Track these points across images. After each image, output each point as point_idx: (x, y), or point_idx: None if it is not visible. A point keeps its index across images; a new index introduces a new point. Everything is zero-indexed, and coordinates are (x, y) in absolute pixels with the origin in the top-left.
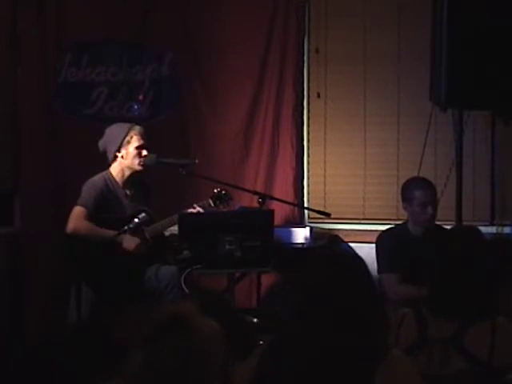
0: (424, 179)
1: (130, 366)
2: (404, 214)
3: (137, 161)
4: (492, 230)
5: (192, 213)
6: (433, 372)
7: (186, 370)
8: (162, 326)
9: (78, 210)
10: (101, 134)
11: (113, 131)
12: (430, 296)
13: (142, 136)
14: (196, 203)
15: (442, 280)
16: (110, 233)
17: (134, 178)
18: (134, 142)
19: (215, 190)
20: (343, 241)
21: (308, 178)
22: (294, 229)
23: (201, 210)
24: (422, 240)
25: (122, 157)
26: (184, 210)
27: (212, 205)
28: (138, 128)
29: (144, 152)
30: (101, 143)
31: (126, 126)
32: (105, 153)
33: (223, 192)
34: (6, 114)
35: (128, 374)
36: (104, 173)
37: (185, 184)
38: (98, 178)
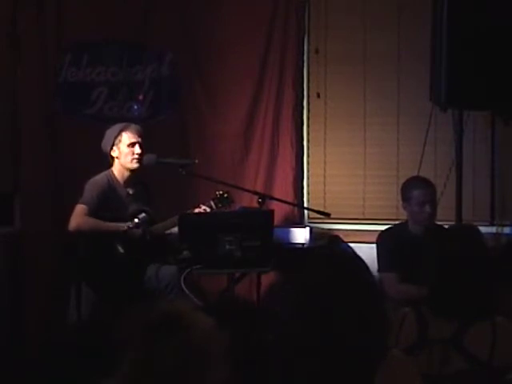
0: (423, 178)
1: (127, 365)
2: (404, 214)
3: (129, 158)
4: (492, 230)
5: (192, 213)
6: (433, 372)
7: (184, 368)
8: (159, 325)
9: (79, 208)
10: (101, 134)
11: (108, 132)
12: (430, 296)
13: (135, 134)
14: (201, 203)
15: (442, 280)
16: (113, 225)
17: (135, 178)
18: (125, 140)
19: (217, 193)
20: (343, 241)
21: (308, 178)
22: (293, 229)
23: (207, 209)
24: (422, 239)
25: (117, 157)
26: (189, 210)
27: (213, 207)
28: (130, 126)
29: (137, 149)
30: (101, 145)
31: (119, 125)
32: (106, 154)
33: (225, 195)
34: (6, 114)
35: (126, 374)
36: (106, 172)
37: (185, 184)
38: (100, 177)
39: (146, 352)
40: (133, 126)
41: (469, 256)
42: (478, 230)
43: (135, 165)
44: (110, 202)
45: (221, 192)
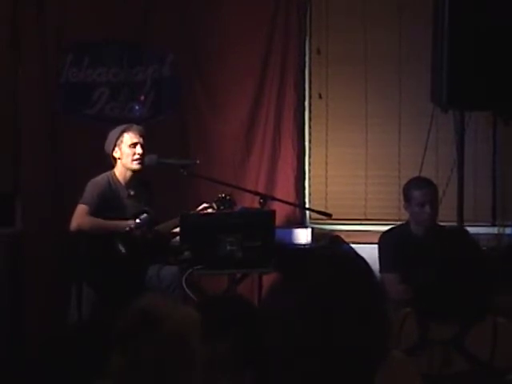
0: (424, 179)
1: (112, 366)
2: (405, 215)
3: (130, 159)
4: (493, 230)
5: (193, 213)
6: (433, 373)
7: (163, 360)
8: (132, 324)
9: (80, 208)
10: (101, 135)
11: (110, 133)
12: (428, 298)
13: (136, 134)
14: (204, 201)
15: (441, 281)
16: (115, 223)
17: (137, 179)
18: (127, 140)
19: (220, 195)
20: (344, 241)
21: (309, 179)
22: (295, 229)
23: (209, 209)
24: (423, 240)
25: (119, 158)
26: (191, 211)
27: (215, 208)
28: (132, 127)
29: (138, 149)
30: (105, 146)
31: (121, 126)
32: (108, 155)
33: (227, 197)
34: (7, 114)
35: (115, 374)
36: (108, 173)
37: (186, 184)
38: (101, 178)
39: (125, 350)
40: (135, 126)
41: (468, 257)
42: (468, 232)
43: (136, 166)
44: (110, 202)
45: (223, 194)
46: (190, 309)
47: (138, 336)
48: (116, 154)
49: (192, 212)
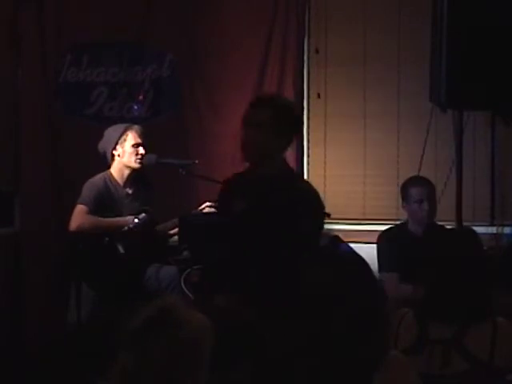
0: (421, 177)
1: (119, 365)
2: (404, 214)
3: (133, 158)
4: (492, 230)
5: (192, 213)
6: (433, 372)
7: (175, 366)
8: (149, 322)
9: (79, 208)
10: (101, 135)
11: (110, 132)
12: (428, 299)
13: (139, 134)
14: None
15: (441, 281)
16: (115, 220)
17: (135, 177)
18: (130, 139)
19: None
20: (343, 241)
21: (308, 178)
22: None
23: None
24: (422, 239)
25: (119, 155)
26: (194, 210)
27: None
28: (134, 127)
29: (141, 150)
30: (100, 145)
31: (122, 125)
32: (104, 154)
33: None
34: (6, 114)
35: (118, 375)
36: (104, 173)
37: (185, 184)
38: (97, 178)
39: (135, 350)
40: (136, 126)
41: (468, 257)
42: (475, 232)
43: (138, 164)
44: (107, 203)
45: None
46: (204, 315)
47: (154, 335)
48: (116, 151)
49: (192, 212)
